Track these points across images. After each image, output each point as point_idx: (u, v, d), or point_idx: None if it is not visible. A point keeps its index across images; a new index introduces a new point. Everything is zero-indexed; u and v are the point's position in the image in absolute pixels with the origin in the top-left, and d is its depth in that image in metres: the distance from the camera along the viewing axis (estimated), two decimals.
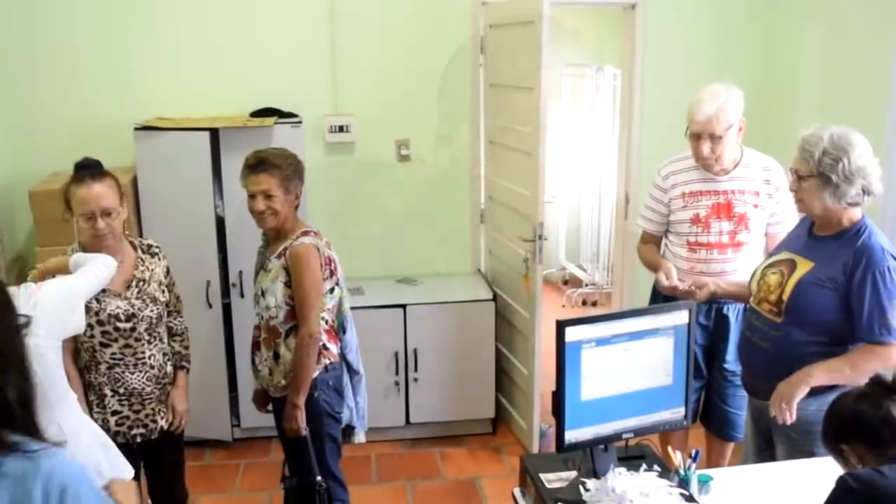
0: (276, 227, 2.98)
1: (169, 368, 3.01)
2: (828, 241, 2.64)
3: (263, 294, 2.98)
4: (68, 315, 2.44)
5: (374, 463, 4.26)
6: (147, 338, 2.88)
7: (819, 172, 2.52)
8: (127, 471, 2.67)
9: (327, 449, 3.07)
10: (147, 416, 2.94)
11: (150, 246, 3.00)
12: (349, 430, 3.24)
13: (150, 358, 2.90)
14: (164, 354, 2.99)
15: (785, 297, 2.63)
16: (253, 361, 3.11)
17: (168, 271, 3.03)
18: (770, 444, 2.84)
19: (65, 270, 2.69)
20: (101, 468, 2.57)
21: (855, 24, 4.08)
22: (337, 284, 3.06)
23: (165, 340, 3.01)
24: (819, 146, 2.52)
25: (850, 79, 4.12)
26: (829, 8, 4.27)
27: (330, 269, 3.00)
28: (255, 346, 3.08)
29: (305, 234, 2.97)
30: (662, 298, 3.42)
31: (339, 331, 3.12)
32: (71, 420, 2.48)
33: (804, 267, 2.63)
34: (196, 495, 3.73)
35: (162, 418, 2.98)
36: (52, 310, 2.42)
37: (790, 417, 2.55)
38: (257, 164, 2.93)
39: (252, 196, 2.95)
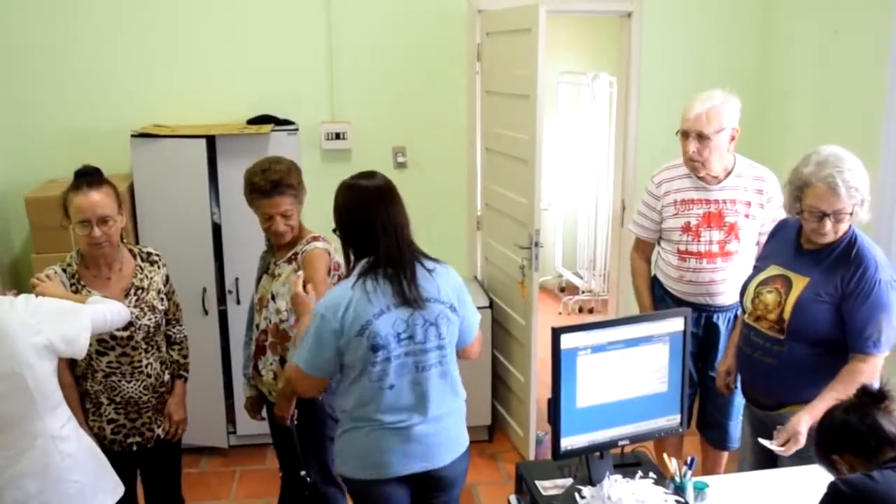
0: (290, 238, 2.97)
1: (167, 377, 3.00)
2: (819, 254, 2.65)
3: (273, 298, 2.96)
4: (68, 328, 2.42)
5: None
6: (144, 346, 2.87)
7: (861, 198, 2.56)
8: (117, 487, 2.66)
9: (327, 451, 3.06)
10: (143, 424, 2.93)
11: (149, 254, 2.99)
12: None
13: (147, 367, 2.89)
14: (162, 363, 2.98)
15: (786, 316, 2.64)
16: (255, 366, 3.08)
17: (167, 279, 3.02)
18: (770, 452, 2.84)
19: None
20: (95, 481, 2.56)
21: (849, 30, 4.10)
22: None
23: (163, 349, 2.99)
24: (857, 179, 2.53)
25: (845, 85, 4.14)
26: (824, 13, 4.29)
27: (338, 273, 2.99)
28: (260, 350, 3.05)
29: (315, 238, 2.96)
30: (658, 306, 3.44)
31: None
32: (63, 431, 2.47)
33: (800, 284, 2.64)
34: (192, 503, 3.72)
35: (159, 427, 2.97)
36: (53, 313, 2.42)
37: (797, 446, 2.55)
38: (272, 189, 2.87)
39: (269, 217, 2.91)
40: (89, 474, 2.53)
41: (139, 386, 2.88)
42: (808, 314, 2.60)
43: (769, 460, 2.82)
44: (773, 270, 2.76)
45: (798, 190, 2.62)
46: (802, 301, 2.61)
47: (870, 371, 2.54)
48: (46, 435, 2.42)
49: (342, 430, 2.52)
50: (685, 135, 3.17)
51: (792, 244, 2.75)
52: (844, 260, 2.59)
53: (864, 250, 2.58)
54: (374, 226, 2.39)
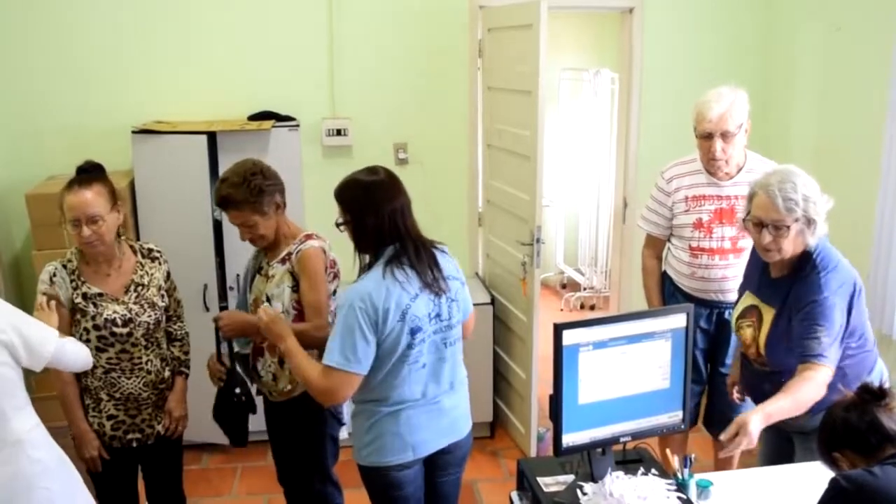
0: (269, 243, 2.94)
1: (167, 374, 3.00)
2: (784, 281, 2.63)
3: (269, 300, 2.91)
4: (32, 336, 2.40)
5: None
6: (144, 343, 2.87)
7: (805, 217, 2.51)
8: (89, 502, 2.62)
9: (328, 450, 3.05)
10: (143, 421, 2.93)
11: (150, 250, 2.98)
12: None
13: (147, 363, 2.89)
14: (163, 360, 2.97)
15: (762, 351, 2.66)
16: (255, 367, 3.05)
17: (168, 276, 3.01)
18: (785, 450, 2.84)
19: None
20: (67, 491, 2.50)
21: (852, 27, 4.09)
22: (338, 288, 3.01)
23: (164, 346, 2.99)
24: (797, 192, 2.50)
25: (847, 81, 4.13)
26: (827, 10, 4.27)
27: (334, 271, 2.97)
28: (258, 352, 3.02)
29: (309, 237, 2.92)
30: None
31: None
32: (31, 435, 2.43)
33: (768, 315, 2.65)
34: (194, 499, 3.72)
35: (159, 424, 2.97)
36: (18, 317, 2.41)
37: (748, 444, 2.41)
38: (220, 204, 2.87)
39: (234, 225, 2.91)
40: (61, 483, 2.47)
41: (139, 382, 2.88)
42: (781, 348, 2.60)
43: (787, 445, 2.81)
44: (747, 300, 2.78)
45: (748, 201, 2.64)
46: (772, 337, 2.62)
47: (818, 381, 2.44)
48: (13, 439, 2.37)
49: (372, 420, 2.54)
50: (708, 136, 3.16)
51: (760, 269, 2.76)
52: (805, 283, 2.55)
53: (823, 274, 2.53)
54: (387, 220, 2.48)
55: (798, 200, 2.50)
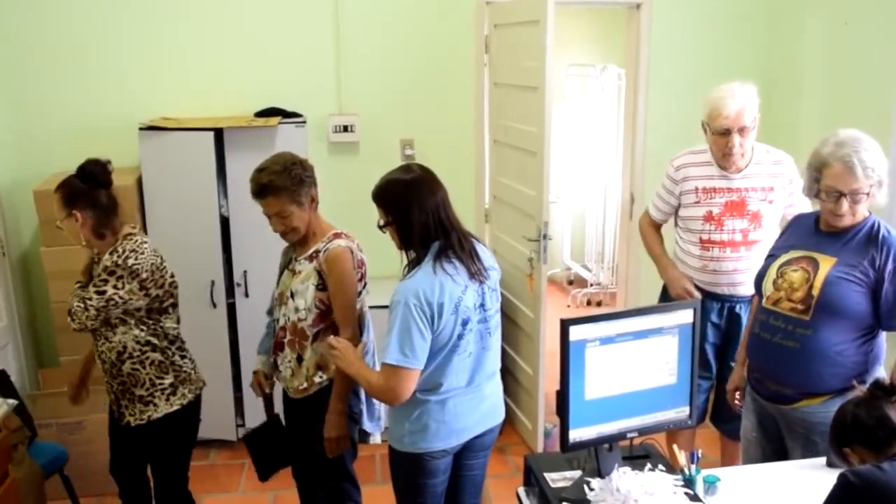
0: (300, 237, 2.93)
1: (130, 366, 2.91)
2: (843, 236, 2.63)
3: (293, 296, 2.91)
4: None
5: (379, 462, 4.25)
6: (93, 334, 2.95)
7: (878, 180, 2.55)
8: None
9: (345, 451, 3.03)
10: (112, 401, 3.03)
11: (128, 235, 2.91)
12: (363, 433, 3.17)
13: (101, 354, 2.96)
14: (121, 352, 2.90)
15: (815, 292, 2.59)
16: (274, 362, 3.06)
17: (111, 258, 2.81)
18: (776, 449, 2.83)
19: None
20: None
21: (859, 21, 4.07)
22: (364, 288, 2.99)
23: (120, 336, 2.89)
24: (874, 160, 2.53)
25: (854, 76, 4.11)
26: (833, 5, 4.26)
27: (361, 272, 2.94)
28: (279, 346, 3.01)
29: (338, 236, 2.91)
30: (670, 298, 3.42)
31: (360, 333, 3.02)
32: None
33: (827, 263, 2.61)
34: (201, 495, 3.73)
35: (131, 415, 2.98)
36: None
37: None
38: (260, 191, 2.85)
39: (268, 216, 2.90)
40: None
41: (101, 363, 2.99)
42: (838, 291, 2.56)
43: (776, 456, 2.81)
44: (796, 253, 2.72)
45: (816, 171, 2.61)
46: (831, 279, 2.58)
47: None
48: None
49: (419, 410, 2.58)
50: (726, 132, 3.16)
51: (811, 230, 2.73)
52: (872, 243, 2.57)
53: (889, 233, 2.58)
54: (432, 215, 2.51)
55: (875, 167, 2.53)
